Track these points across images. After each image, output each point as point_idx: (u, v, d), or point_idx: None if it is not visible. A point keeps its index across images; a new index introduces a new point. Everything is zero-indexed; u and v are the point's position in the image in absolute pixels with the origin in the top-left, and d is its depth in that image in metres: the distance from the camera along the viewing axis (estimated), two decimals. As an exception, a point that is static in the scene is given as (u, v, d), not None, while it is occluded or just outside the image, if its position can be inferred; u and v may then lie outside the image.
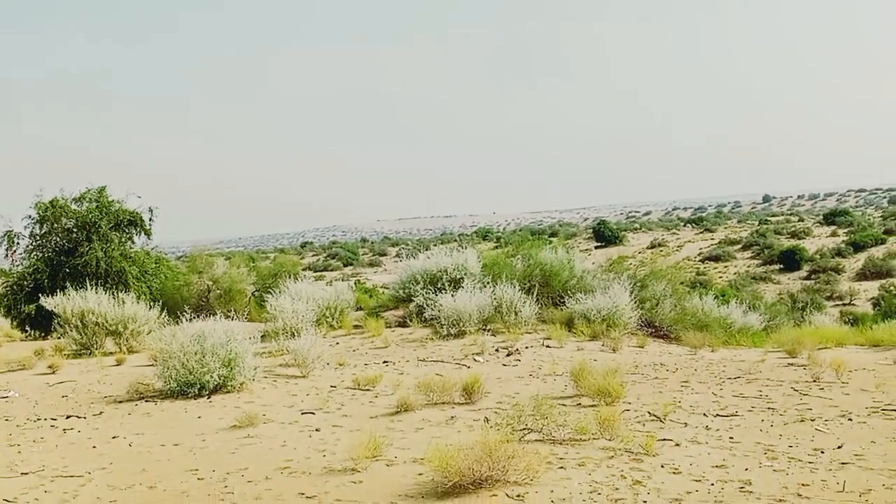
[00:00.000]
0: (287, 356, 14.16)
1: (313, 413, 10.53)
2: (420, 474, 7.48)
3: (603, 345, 15.75)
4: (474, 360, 14.33)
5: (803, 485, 6.93)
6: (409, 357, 14.95)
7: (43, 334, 22.96)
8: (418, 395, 10.72)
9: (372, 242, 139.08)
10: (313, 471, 7.86)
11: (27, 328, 24.86)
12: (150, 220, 27.64)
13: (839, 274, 57.22)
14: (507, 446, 7.17)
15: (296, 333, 15.97)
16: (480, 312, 17.44)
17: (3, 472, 8.36)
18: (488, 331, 17.27)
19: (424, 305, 18.29)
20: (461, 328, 17.01)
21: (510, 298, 17.81)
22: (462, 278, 19.37)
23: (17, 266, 27.09)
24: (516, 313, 17.62)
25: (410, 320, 19.07)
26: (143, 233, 27.64)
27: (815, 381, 11.95)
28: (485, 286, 18.41)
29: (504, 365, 13.88)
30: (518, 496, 6.80)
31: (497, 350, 15.13)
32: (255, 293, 27.08)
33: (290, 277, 23.79)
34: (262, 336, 16.59)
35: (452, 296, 17.57)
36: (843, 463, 7.61)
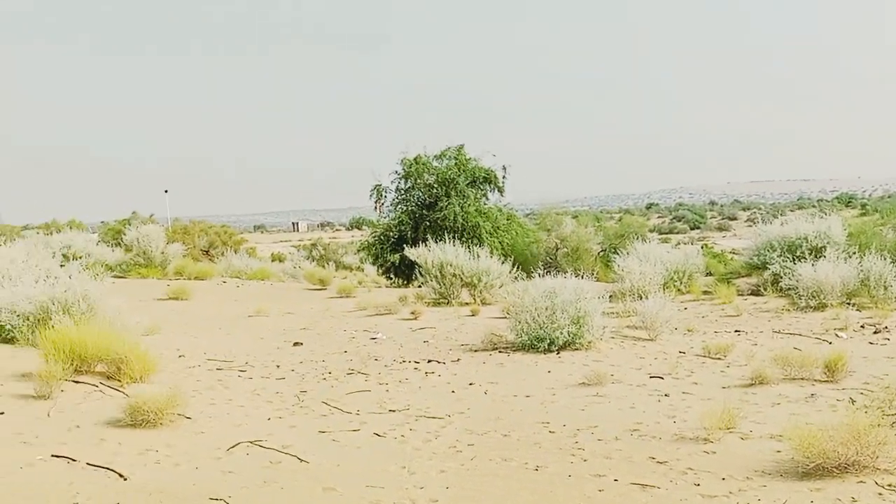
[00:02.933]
0: (634, 318, 14.08)
1: (662, 378, 10.40)
2: (778, 451, 7.12)
3: None
4: (836, 335, 13.35)
5: None
6: (763, 328, 14.27)
7: (405, 282, 24.76)
8: (774, 368, 10.18)
9: (721, 206, 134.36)
10: (663, 436, 7.77)
11: (391, 276, 26.97)
12: (503, 177, 28.72)
13: None
14: (878, 431, 6.60)
15: (643, 295, 15.86)
16: (844, 285, 16.18)
17: (374, 407, 9.13)
18: (852, 305, 16.00)
19: (781, 274, 17.33)
20: (821, 300, 15.90)
21: (879, 271, 16.35)
22: (824, 247, 18.09)
23: (384, 218, 29.40)
24: (886, 288, 16.15)
25: (764, 289, 18.17)
26: (496, 189, 28.80)
27: None
28: (850, 257, 17.05)
29: (870, 343, 12.79)
30: (889, 485, 6.25)
31: (862, 326, 13.99)
32: (602, 253, 27.24)
33: (636, 238, 23.64)
34: (609, 296, 16.64)
35: (813, 265, 16.46)
36: None
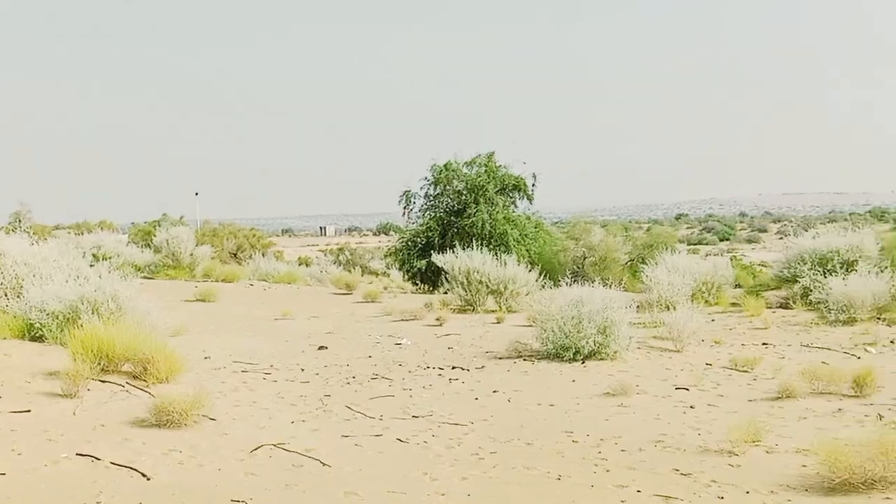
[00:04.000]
0: (661, 328, 13.99)
1: (687, 389, 10.32)
2: (804, 466, 7.03)
3: None
4: (865, 350, 13.19)
5: None
6: (791, 341, 14.12)
7: (431, 288, 24.75)
8: (802, 382, 10.07)
9: (751, 217, 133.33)
10: (688, 448, 7.70)
11: (417, 282, 26.97)
12: (533, 185, 28.68)
13: None
14: (906, 448, 6.51)
15: (671, 306, 15.74)
16: (875, 299, 15.97)
17: (397, 413, 9.14)
18: (883, 320, 15.79)
19: (811, 287, 17.14)
20: (851, 315, 15.69)
21: (914, 286, 16.12)
22: (856, 261, 17.87)
23: (412, 224, 29.43)
24: (919, 304, 15.92)
25: (794, 302, 17.97)
26: (525, 197, 28.75)
27: None
28: (881, 271, 16.83)
29: (901, 359, 12.63)
30: (917, 505, 6.16)
31: (893, 342, 13.80)
32: (630, 262, 27.12)
33: (665, 249, 23.51)
34: (636, 306, 16.53)
35: (844, 279, 16.27)
36: None
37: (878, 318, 15.86)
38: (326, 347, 13.30)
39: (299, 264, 37.64)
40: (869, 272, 16.59)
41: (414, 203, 29.05)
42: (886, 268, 17.01)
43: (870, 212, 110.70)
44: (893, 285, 16.34)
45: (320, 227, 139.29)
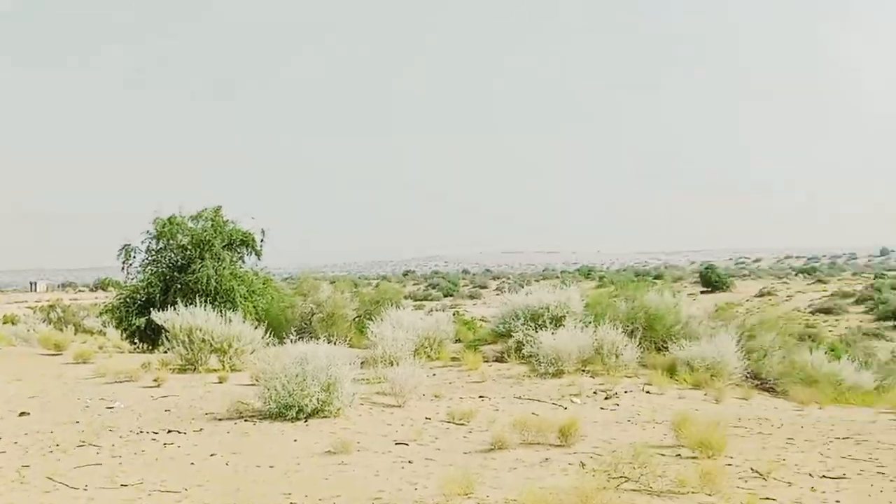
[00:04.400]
0: (384, 384, 14.21)
1: (407, 444, 10.52)
2: (512, 516, 7.36)
3: (706, 394, 15.29)
4: (571, 401, 14.10)
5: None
6: (506, 393, 14.82)
7: (150, 347, 23.66)
8: (513, 433, 10.58)
9: (473, 274, 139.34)
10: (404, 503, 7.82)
11: (136, 340, 25.68)
12: (262, 240, 28.32)
13: (961, 334, 54.58)
14: (603, 494, 7.01)
15: (394, 362, 16.05)
16: (581, 352, 17.17)
17: (103, 482, 8.59)
18: (587, 372, 17.00)
19: (524, 342, 18.14)
20: (560, 367, 16.77)
21: (612, 340, 17.50)
22: (564, 316, 19.16)
23: (132, 279, 28.03)
24: (617, 356, 17.30)
25: (508, 356, 18.94)
26: (253, 253, 28.31)
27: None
28: (586, 326, 18.15)
29: (602, 408, 13.62)
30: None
31: (595, 392, 14.87)
32: (358, 318, 27.39)
33: (391, 305, 24.01)
34: (361, 362, 16.70)
35: (553, 334, 17.36)
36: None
37: (583, 371, 17.04)
38: (28, 413, 12.30)
39: (4, 323, 34.81)
40: (575, 327, 17.83)
41: (134, 258, 27.73)
42: (590, 323, 18.35)
43: (578, 270, 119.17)
44: (596, 339, 17.64)
45: (31, 283, 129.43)
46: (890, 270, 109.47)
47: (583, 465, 9.37)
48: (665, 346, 18.52)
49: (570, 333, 17.37)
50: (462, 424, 11.80)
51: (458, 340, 23.07)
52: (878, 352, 39.91)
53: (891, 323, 59.71)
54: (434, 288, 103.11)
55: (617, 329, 17.88)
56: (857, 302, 68.92)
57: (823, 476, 9.43)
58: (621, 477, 8.43)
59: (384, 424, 11.86)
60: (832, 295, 72.98)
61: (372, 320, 20.76)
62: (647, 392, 15.22)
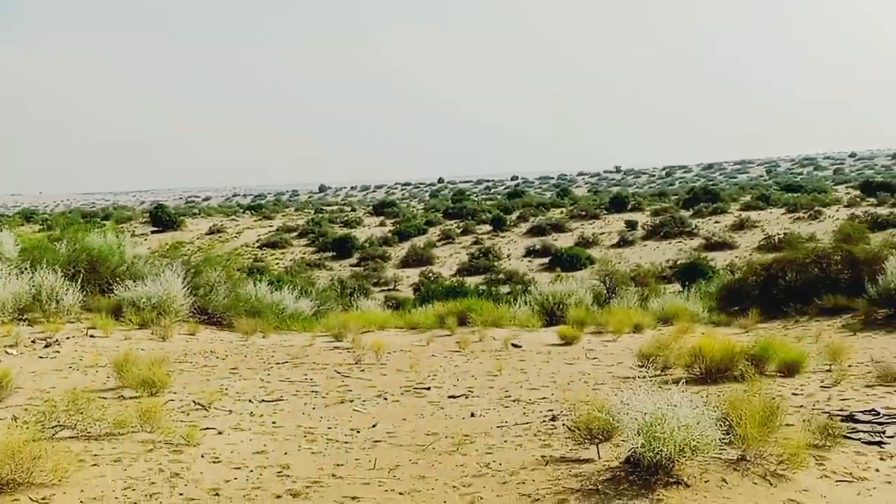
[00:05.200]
0: None
1: None
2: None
3: (152, 333, 15.23)
4: (6, 352, 13.08)
5: (338, 465, 7.23)
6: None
7: None
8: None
9: None
10: None
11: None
12: None
13: (386, 261, 61.44)
14: (34, 446, 6.62)
15: None
16: (16, 301, 15.96)
17: None
18: (25, 321, 15.86)
19: None
20: (-11, 317, 15.42)
21: (51, 285, 16.51)
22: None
23: None
24: (58, 301, 16.40)
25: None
26: None
27: (357, 363, 12.63)
28: (23, 272, 16.85)
29: (41, 357, 12.86)
30: (43, 499, 6.30)
31: (34, 342, 13.96)
32: None
33: None
34: None
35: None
36: (376, 441, 8.08)
37: (21, 319, 15.88)
38: None
39: None
40: (10, 274, 16.46)
41: None
42: (27, 269, 17.04)
43: (19, 213, 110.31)
44: (34, 286, 16.51)
45: None
46: (328, 206, 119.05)
47: (15, 418, 8.74)
48: (111, 287, 17.97)
49: (2, 281, 16.03)
50: None
51: None
52: (318, 280, 43.29)
53: (330, 253, 65.08)
54: None
55: (57, 274, 16.91)
56: (300, 235, 73.74)
57: (263, 400, 10.01)
58: (57, 425, 8.02)
59: None
60: (278, 230, 76.98)
61: None
62: (91, 336, 14.72)
